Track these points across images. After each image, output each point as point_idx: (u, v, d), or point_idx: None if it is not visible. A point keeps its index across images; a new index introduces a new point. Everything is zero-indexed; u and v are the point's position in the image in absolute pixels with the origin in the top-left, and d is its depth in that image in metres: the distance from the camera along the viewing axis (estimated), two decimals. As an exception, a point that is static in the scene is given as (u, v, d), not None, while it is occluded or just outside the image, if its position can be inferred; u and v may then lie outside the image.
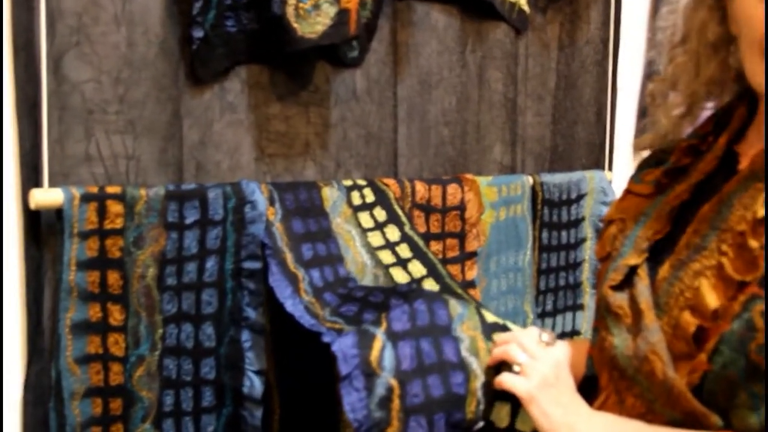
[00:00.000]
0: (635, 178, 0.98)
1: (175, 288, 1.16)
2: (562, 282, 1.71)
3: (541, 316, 1.67)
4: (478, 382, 1.00)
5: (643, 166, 0.99)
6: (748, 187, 0.78)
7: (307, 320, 1.11)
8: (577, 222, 1.72)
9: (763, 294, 0.72)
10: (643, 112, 1.95)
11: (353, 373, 0.97)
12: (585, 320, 1.75)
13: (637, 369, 0.81)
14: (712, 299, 0.75)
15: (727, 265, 0.75)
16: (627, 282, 0.87)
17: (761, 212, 0.74)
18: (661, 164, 0.95)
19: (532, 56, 1.66)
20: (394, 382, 0.97)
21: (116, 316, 1.12)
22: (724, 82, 0.90)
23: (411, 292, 1.09)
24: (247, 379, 1.20)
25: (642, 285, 0.84)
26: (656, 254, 0.86)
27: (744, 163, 0.84)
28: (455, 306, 1.07)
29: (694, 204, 0.85)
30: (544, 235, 1.66)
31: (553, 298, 1.69)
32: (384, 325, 1.03)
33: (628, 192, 0.98)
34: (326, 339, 1.04)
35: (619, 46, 1.82)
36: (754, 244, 0.73)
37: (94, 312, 1.10)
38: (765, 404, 0.72)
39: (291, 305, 1.14)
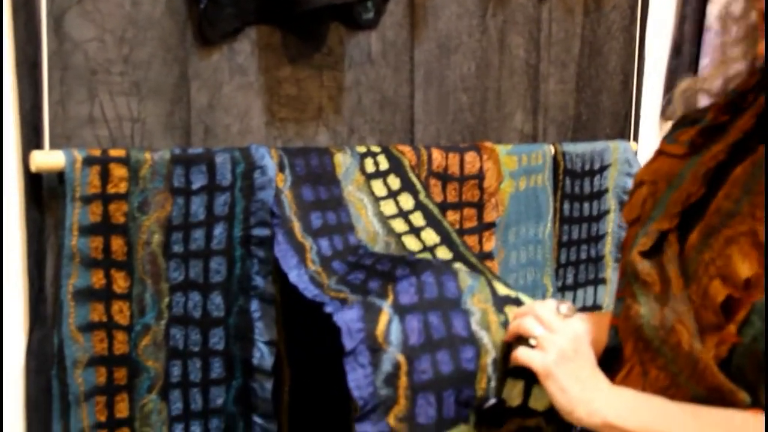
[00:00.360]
0: (669, 138, 0.92)
1: (182, 255, 1.13)
2: (583, 255, 1.66)
3: (561, 289, 1.62)
4: (489, 357, 0.95)
5: (678, 125, 0.93)
6: None
7: (310, 291, 1.07)
8: (600, 194, 1.66)
9: None
10: (670, 82, 1.87)
11: (358, 348, 0.92)
12: (607, 294, 1.70)
13: (663, 340, 0.76)
14: (744, 268, 0.70)
15: (761, 231, 0.70)
16: (657, 248, 0.82)
17: None
18: (697, 123, 0.89)
19: (555, 21, 1.60)
20: (401, 358, 0.93)
21: (120, 283, 1.08)
22: None
23: (418, 262, 1.04)
24: (257, 350, 1.16)
25: (672, 252, 0.79)
26: (688, 219, 0.81)
27: None
28: (465, 278, 1.02)
29: (732, 165, 0.79)
30: (566, 206, 1.61)
31: (574, 272, 1.64)
32: (390, 297, 0.98)
33: (660, 153, 0.92)
34: (328, 309, 1.00)
35: (647, 11, 1.74)
36: None
37: (97, 279, 1.07)
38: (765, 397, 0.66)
39: (296, 276, 1.10)
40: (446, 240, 1.23)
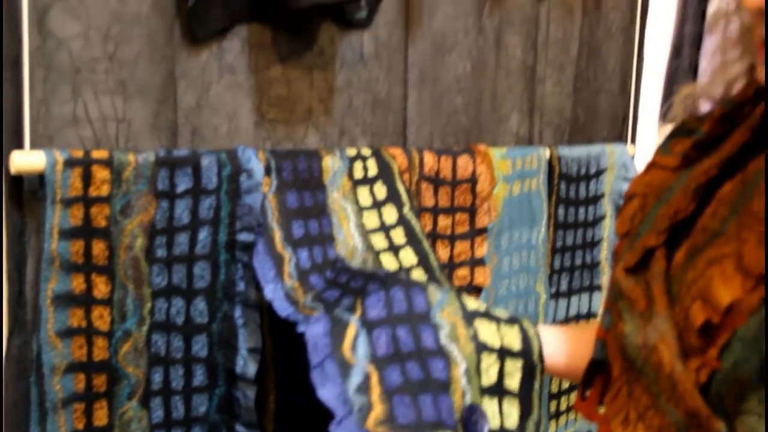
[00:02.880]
0: (664, 148, 0.90)
1: (164, 260, 1.10)
2: (578, 261, 1.63)
3: (555, 296, 1.59)
4: (460, 369, 0.93)
5: (674, 135, 0.91)
6: None
7: (284, 308, 1.06)
8: (596, 198, 1.64)
9: None
10: (670, 84, 1.85)
11: (325, 362, 0.90)
12: (602, 302, 1.67)
13: (645, 360, 0.74)
14: (724, 293, 0.67)
15: (747, 254, 0.67)
16: (643, 264, 0.79)
17: None
18: (693, 134, 0.86)
19: (554, 21, 1.57)
20: (370, 368, 0.91)
21: (101, 288, 1.06)
22: None
23: (389, 277, 1.02)
24: (241, 358, 1.14)
25: (658, 269, 0.76)
26: (677, 235, 0.78)
27: None
28: (434, 292, 1.00)
29: (723, 181, 0.77)
30: (560, 211, 1.58)
31: (568, 278, 1.62)
32: (359, 311, 0.96)
33: (652, 164, 0.89)
34: (302, 329, 0.98)
35: (647, 12, 1.72)
36: None
37: (77, 283, 1.04)
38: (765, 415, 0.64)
39: (271, 290, 1.08)
40: (423, 262, 1.21)
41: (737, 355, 0.66)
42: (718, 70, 0.83)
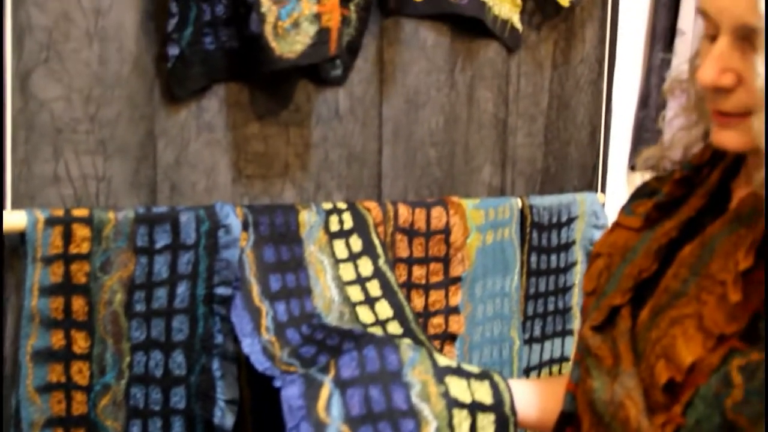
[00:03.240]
0: (626, 209, 0.94)
1: (143, 314, 1.12)
2: (551, 307, 1.67)
3: (528, 342, 1.62)
4: (431, 428, 0.95)
5: (635, 196, 0.95)
6: (731, 232, 0.74)
7: (261, 363, 1.09)
8: (568, 246, 1.68)
9: (744, 348, 0.68)
10: (638, 134, 1.90)
11: (300, 425, 0.93)
12: (574, 346, 1.71)
13: (612, 415, 0.77)
14: (686, 353, 0.71)
15: (707, 316, 0.71)
16: (609, 322, 0.83)
17: (744, 264, 0.70)
18: (655, 195, 0.90)
19: (524, 75, 1.62)
20: (344, 428, 0.94)
21: (81, 343, 1.07)
22: None
23: (363, 336, 1.05)
24: (219, 410, 1.16)
25: (624, 326, 0.80)
26: (642, 293, 0.82)
27: (734, 203, 0.79)
28: (406, 350, 1.03)
29: (683, 242, 0.80)
30: (533, 258, 1.62)
31: (541, 324, 1.65)
32: (332, 372, 0.99)
33: (617, 225, 0.93)
34: (277, 384, 1.00)
35: (614, 65, 1.78)
36: (735, 298, 0.69)
37: (56, 339, 1.06)
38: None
39: (248, 344, 1.11)
40: (399, 314, 1.24)
41: (700, 412, 0.69)
42: (676, 134, 0.87)
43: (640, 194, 0.94)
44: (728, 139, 0.72)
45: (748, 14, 0.64)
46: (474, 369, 1.03)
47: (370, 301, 1.24)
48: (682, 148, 0.89)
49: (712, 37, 0.71)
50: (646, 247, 0.84)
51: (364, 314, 1.22)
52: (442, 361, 1.03)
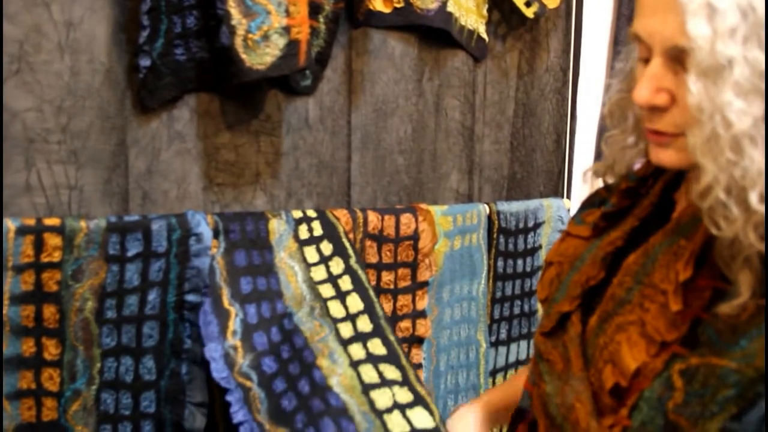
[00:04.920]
0: (576, 219, 0.97)
1: (114, 321, 1.14)
2: (516, 310, 1.71)
3: (495, 344, 1.66)
4: None
5: (585, 206, 0.98)
6: (672, 242, 0.77)
7: (219, 371, 1.14)
8: (534, 250, 1.72)
9: (684, 353, 0.71)
10: (602, 141, 1.95)
11: None
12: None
13: (564, 417, 0.81)
14: (630, 359, 0.74)
15: (649, 323, 0.75)
16: (560, 327, 0.86)
17: (683, 275, 0.73)
18: (603, 204, 0.94)
19: (490, 84, 1.66)
20: None
21: (51, 350, 1.09)
22: None
23: (322, 403, 1.15)
24: (188, 413, 1.18)
25: (574, 332, 0.83)
26: (591, 301, 0.85)
27: (676, 213, 0.83)
28: (361, 421, 1.12)
29: (628, 251, 0.84)
30: (500, 263, 1.65)
31: (507, 327, 1.69)
32: None
33: (567, 234, 0.96)
34: (229, 397, 1.08)
35: (578, 73, 1.82)
36: (675, 307, 0.73)
37: (27, 347, 1.07)
38: None
39: (212, 349, 1.14)
40: (369, 309, 1.27)
41: (644, 414, 0.73)
42: (617, 154, 0.91)
43: (589, 204, 0.98)
44: (665, 157, 0.76)
45: (678, 36, 0.68)
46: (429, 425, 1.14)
47: (341, 296, 1.27)
48: (625, 164, 0.93)
49: (645, 59, 0.75)
50: (593, 255, 0.88)
51: (335, 308, 1.25)
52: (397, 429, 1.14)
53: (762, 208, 0.65)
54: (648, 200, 0.87)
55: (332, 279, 1.29)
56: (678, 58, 0.69)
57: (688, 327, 0.72)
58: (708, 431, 0.69)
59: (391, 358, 1.24)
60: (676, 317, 0.73)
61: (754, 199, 0.65)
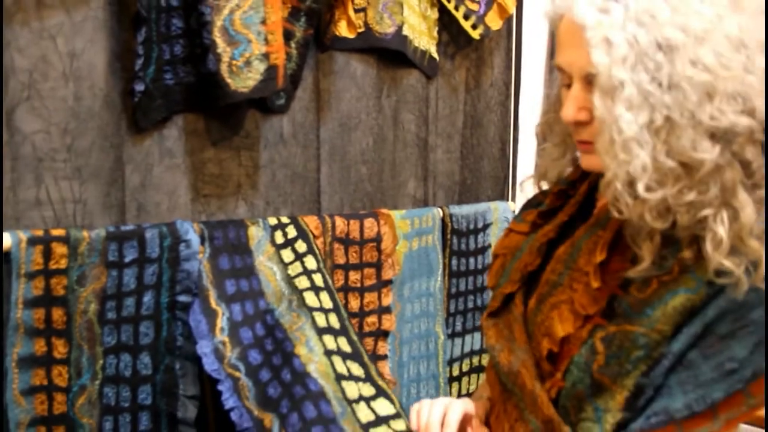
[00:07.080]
0: (518, 218, 1.13)
1: (114, 321, 1.26)
2: (470, 304, 1.86)
3: (451, 336, 1.82)
4: None
5: (525, 207, 1.14)
6: (592, 233, 0.93)
7: (210, 364, 1.28)
8: (484, 249, 1.88)
9: (604, 323, 0.87)
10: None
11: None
12: (490, 339, 1.91)
13: (513, 382, 0.96)
14: (560, 329, 0.90)
15: (576, 300, 0.91)
16: (504, 308, 1.02)
17: (599, 257, 0.89)
18: (540, 205, 1.10)
19: (442, 99, 1.82)
20: None
21: (60, 349, 1.20)
22: None
23: (303, 391, 1.32)
24: (182, 405, 1.31)
25: (517, 312, 0.99)
26: (530, 285, 1.01)
27: (596, 210, 0.99)
28: (336, 406, 1.30)
29: (559, 242, 1.00)
30: (454, 262, 1.81)
31: (462, 320, 1.85)
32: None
33: (510, 230, 1.12)
34: (220, 387, 1.24)
35: (520, 87, 1.99)
36: (595, 284, 0.89)
37: (39, 346, 1.19)
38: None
39: (202, 345, 1.29)
40: (336, 309, 1.45)
41: (575, 376, 0.89)
42: (550, 164, 1.07)
43: (529, 205, 1.14)
44: (591, 162, 0.92)
45: (588, 65, 0.84)
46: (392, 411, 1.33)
47: (315, 289, 1.42)
48: (556, 173, 1.09)
49: (567, 85, 0.92)
50: (530, 246, 1.04)
51: (310, 299, 1.41)
52: (363, 417, 1.32)
53: (649, 196, 0.81)
54: (575, 200, 1.03)
55: (307, 273, 1.43)
56: (591, 82, 0.86)
57: (607, 302, 0.88)
58: (625, 386, 0.85)
59: (355, 356, 1.40)
60: (597, 294, 0.89)
61: (641, 188, 0.81)
